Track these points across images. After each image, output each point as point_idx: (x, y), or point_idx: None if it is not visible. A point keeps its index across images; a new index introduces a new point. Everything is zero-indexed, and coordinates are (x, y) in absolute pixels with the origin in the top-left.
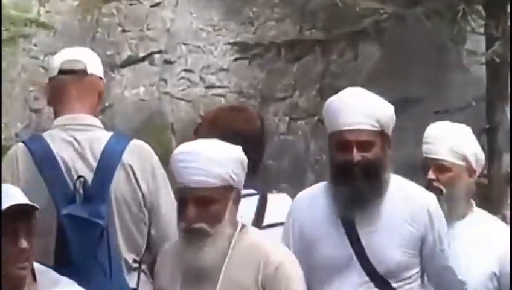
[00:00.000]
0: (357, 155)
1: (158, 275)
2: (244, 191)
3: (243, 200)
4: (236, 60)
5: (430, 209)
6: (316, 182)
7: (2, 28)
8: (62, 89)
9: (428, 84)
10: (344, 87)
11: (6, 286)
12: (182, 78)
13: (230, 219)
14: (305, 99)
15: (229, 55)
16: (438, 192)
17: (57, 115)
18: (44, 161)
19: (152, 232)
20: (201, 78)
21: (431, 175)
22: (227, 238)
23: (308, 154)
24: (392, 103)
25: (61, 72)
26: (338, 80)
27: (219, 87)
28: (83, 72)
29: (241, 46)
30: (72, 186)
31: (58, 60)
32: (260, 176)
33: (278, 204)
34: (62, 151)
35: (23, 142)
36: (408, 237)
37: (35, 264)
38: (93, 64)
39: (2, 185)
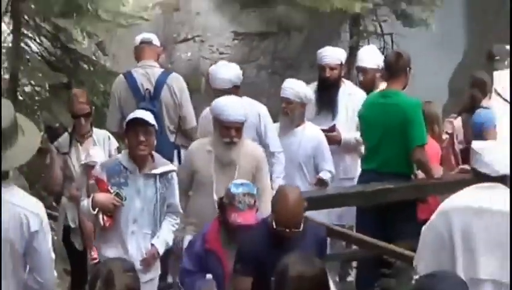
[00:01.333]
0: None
1: (193, 156)
2: None
3: None
4: (233, 40)
5: (260, 113)
6: None
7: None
8: (141, 50)
9: None
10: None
11: (136, 163)
12: (209, 49)
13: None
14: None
15: (231, 38)
16: (286, 114)
17: (138, 62)
18: (132, 84)
19: (180, 115)
20: (217, 50)
21: (283, 105)
22: (242, 143)
23: None
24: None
25: (142, 42)
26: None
27: (226, 54)
28: (151, 43)
29: (237, 34)
30: (143, 94)
31: (140, 37)
32: None
33: None
34: (140, 78)
35: (123, 74)
36: (253, 128)
37: (155, 154)
38: (156, 40)
39: (138, 110)
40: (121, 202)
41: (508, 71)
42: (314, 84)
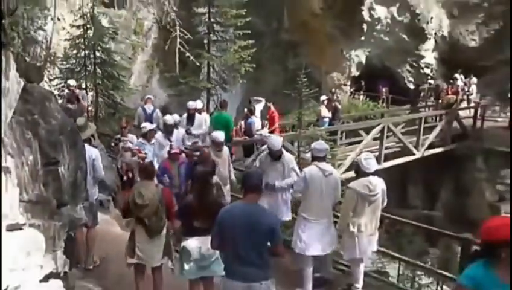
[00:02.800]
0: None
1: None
2: None
3: None
4: (167, 97)
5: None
6: None
7: None
8: (147, 100)
9: None
10: None
11: (148, 141)
12: (158, 101)
13: None
14: None
15: (166, 97)
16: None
17: (145, 104)
18: (144, 111)
19: (157, 123)
20: (160, 101)
21: None
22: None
23: None
24: None
25: (148, 98)
26: None
27: (164, 103)
28: (150, 98)
29: (168, 95)
30: (148, 115)
31: (147, 96)
32: None
33: None
34: (147, 109)
35: (141, 107)
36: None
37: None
38: (152, 97)
39: (148, 123)
40: (145, 156)
41: (260, 104)
42: (185, 115)
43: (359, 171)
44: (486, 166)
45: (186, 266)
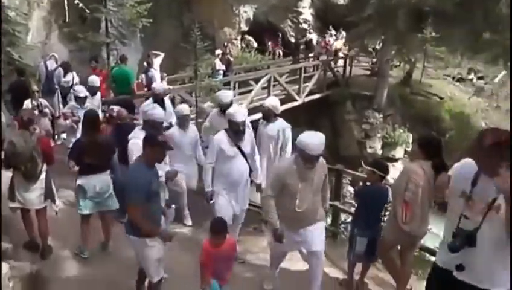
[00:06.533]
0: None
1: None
2: None
3: None
4: None
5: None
6: None
7: None
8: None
9: None
10: None
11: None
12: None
13: None
14: None
15: None
16: None
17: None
18: (46, 67)
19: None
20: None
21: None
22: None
23: None
24: None
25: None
26: None
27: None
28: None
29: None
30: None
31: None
32: None
33: None
34: (48, 64)
35: (44, 62)
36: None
37: None
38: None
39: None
40: (79, 119)
41: (158, 58)
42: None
43: (271, 114)
44: (354, 108)
45: (81, 202)
